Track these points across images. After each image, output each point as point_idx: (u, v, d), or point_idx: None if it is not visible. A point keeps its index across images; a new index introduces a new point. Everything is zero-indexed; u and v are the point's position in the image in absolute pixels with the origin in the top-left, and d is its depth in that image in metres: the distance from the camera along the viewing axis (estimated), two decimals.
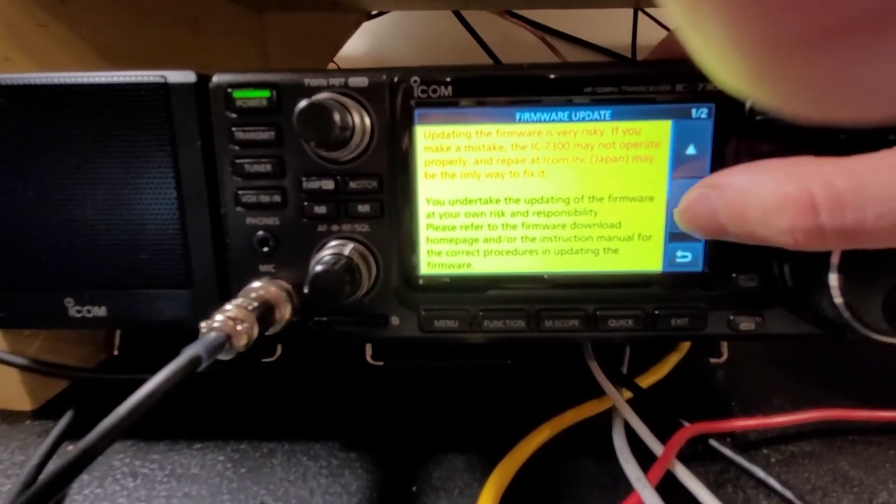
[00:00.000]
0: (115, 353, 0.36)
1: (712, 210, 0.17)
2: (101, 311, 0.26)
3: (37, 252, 0.25)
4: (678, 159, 0.23)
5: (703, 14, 0.07)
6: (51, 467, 0.25)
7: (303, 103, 0.21)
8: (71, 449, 0.27)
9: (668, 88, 0.23)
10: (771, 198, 0.15)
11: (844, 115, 0.08)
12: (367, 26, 0.69)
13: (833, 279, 0.21)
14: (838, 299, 0.21)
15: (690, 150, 0.23)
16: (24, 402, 0.31)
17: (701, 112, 0.23)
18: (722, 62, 0.07)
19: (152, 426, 0.28)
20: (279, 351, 0.35)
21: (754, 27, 0.06)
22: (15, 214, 0.25)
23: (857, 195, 0.13)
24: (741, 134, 0.23)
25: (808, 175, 0.14)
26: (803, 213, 0.14)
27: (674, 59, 0.23)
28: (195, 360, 0.18)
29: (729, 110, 0.23)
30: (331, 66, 0.69)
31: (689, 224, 0.18)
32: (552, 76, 0.23)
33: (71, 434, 0.28)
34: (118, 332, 0.36)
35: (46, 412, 0.31)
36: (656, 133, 0.23)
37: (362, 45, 0.74)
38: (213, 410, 0.30)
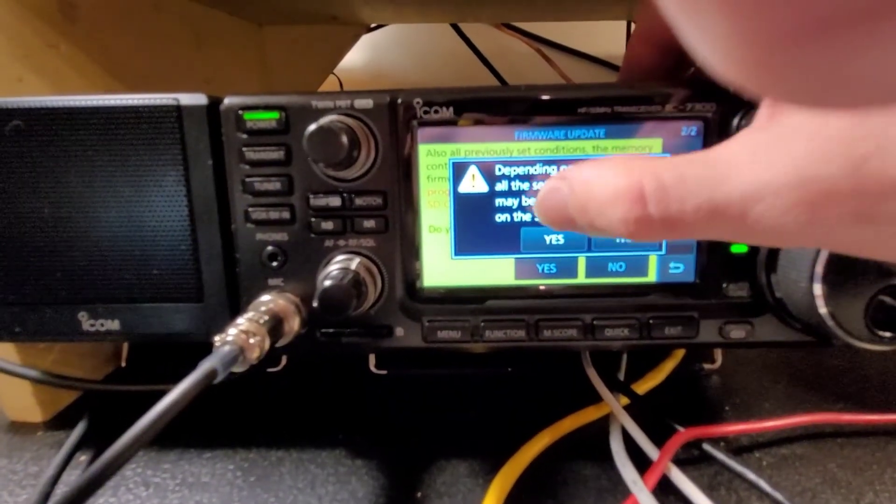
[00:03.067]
0: (123, 365, 0.36)
1: (562, 201, 0.17)
2: (114, 325, 0.26)
3: (52, 268, 0.26)
4: None
5: (699, 7, 0.07)
6: (66, 477, 0.26)
7: (312, 127, 0.22)
8: (84, 459, 0.28)
9: (659, 108, 0.24)
10: (608, 189, 0.16)
11: (844, 105, 0.08)
12: (366, 39, 0.70)
13: (818, 289, 0.22)
14: (822, 309, 0.22)
15: None
16: (35, 414, 0.32)
17: (690, 130, 0.24)
18: (719, 55, 0.08)
19: (163, 436, 0.29)
20: (284, 361, 0.35)
21: (751, 19, 0.07)
22: (31, 232, 0.25)
23: (678, 187, 0.15)
24: None
25: (641, 169, 0.15)
26: (634, 204, 0.15)
27: (664, 80, 0.25)
28: (211, 373, 0.19)
29: (717, 128, 0.24)
30: (331, 77, 0.70)
31: (544, 214, 0.19)
32: (548, 97, 0.24)
33: (84, 445, 0.28)
34: (126, 345, 0.36)
35: (57, 423, 0.32)
36: (648, 150, 0.24)
37: (362, 57, 0.75)
38: (221, 420, 0.31)
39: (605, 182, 0.16)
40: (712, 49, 0.08)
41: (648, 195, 0.15)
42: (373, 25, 0.69)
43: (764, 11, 0.06)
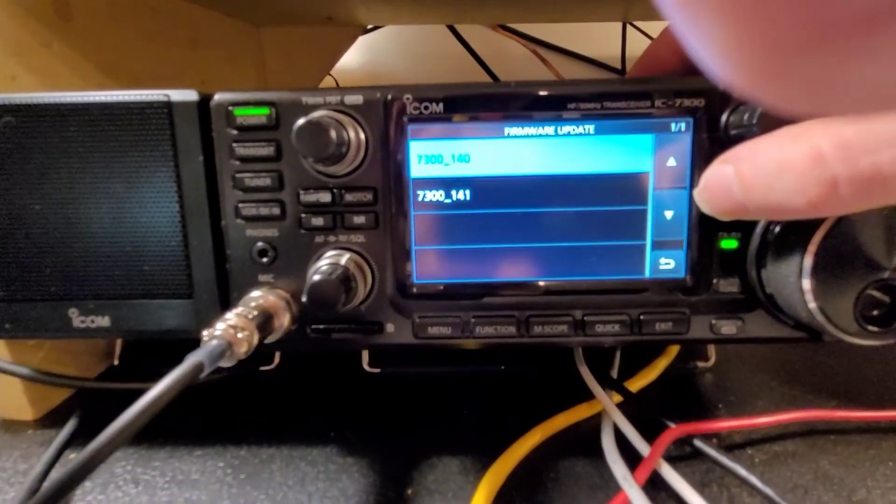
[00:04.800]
0: (115, 362, 0.36)
1: (728, 184, 0.16)
2: (104, 322, 0.26)
3: (42, 264, 0.26)
4: (659, 171, 0.24)
5: (699, 14, 0.07)
6: (54, 475, 0.26)
7: (301, 121, 0.22)
8: (73, 457, 0.28)
9: (649, 104, 0.24)
10: (779, 160, 0.14)
11: (844, 112, 0.08)
12: (362, 40, 0.70)
13: (807, 284, 0.22)
14: (812, 304, 0.22)
15: (671, 163, 0.24)
16: (26, 412, 0.32)
17: (679, 126, 0.24)
18: (721, 62, 0.08)
19: (153, 433, 0.29)
20: (277, 359, 0.35)
21: (752, 28, 0.07)
22: (21, 228, 0.25)
23: (866, 137, 0.13)
24: (717, 146, 0.24)
25: (814, 131, 0.14)
26: (812, 167, 0.13)
27: (653, 77, 0.25)
28: (198, 367, 0.19)
29: (705, 124, 0.24)
30: (327, 78, 0.70)
31: (710, 202, 0.17)
32: (538, 93, 0.24)
33: (74, 442, 0.28)
34: (118, 342, 0.36)
35: (48, 422, 0.31)
36: (638, 146, 0.24)
37: (358, 58, 0.76)
38: (212, 418, 0.31)
39: (774, 152, 0.14)
40: (713, 56, 0.08)
41: (828, 153, 0.13)
42: (369, 27, 0.70)
43: (764, 20, 0.07)
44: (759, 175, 0.15)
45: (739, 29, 0.07)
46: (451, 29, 0.69)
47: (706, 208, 0.17)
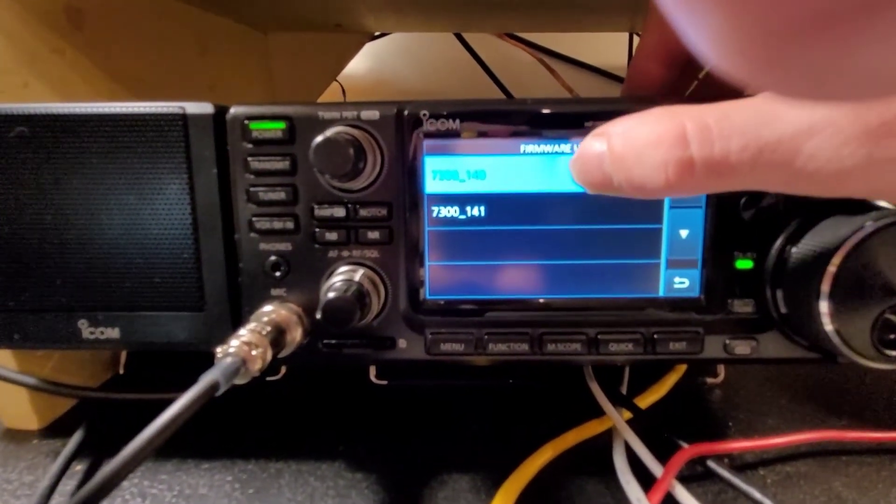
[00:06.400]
0: (121, 371, 0.36)
1: (599, 156, 0.16)
2: (114, 333, 0.26)
3: (53, 275, 0.26)
4: None
5: (698, 4, 0.07)
6: (62, 487, 0.26)
7: (319, 139, 0.22)
8: (80, 469, 0.27)
9: None
10: (648, 135, 0.15)
11: (842, 98, 0.08)
12: (369, 47, 0.71)
13: (823, 306, 0.22)
14: (828, 326, 0.21)
15: None
16: (31, 422, 0.31)
17: None
18: (718, 51, 0.08)
19: (160, 447, 0.29)
20: (283, 370, 0.35)
21: (749, 15, 0.07)
22: (33, 238, 0.25)
23: (722, 125, 0.14)
24: None
25: (683, 112, 0.15)
26: (675, 145, 0.14)
27: (666, 95, 0.25)
28: (214, 386, 0.18)
29: None
30: (333, 85, 0.70)
31: (579, 172, 0.18)
32: (556, 111, 0.24)
33: (80, 454, 0.28)
34: (124, 352, 0.36)
35: (53, 431, 0.31)
36: None
37: (365, 64, 0.76)
38: (219, 429, 0.31)
39: (645, 129, 0.15)
40: (711, 45, 0.08)
41: (690, 135, 0.14)
42: (376, 34, 0.70)
43: (762, 7, 0.06)
44: (629, 149, 0.15)
45: (738, 15, 0.07)
46: (458, 37, 0.70)
47: (576, 178, 0.18)
